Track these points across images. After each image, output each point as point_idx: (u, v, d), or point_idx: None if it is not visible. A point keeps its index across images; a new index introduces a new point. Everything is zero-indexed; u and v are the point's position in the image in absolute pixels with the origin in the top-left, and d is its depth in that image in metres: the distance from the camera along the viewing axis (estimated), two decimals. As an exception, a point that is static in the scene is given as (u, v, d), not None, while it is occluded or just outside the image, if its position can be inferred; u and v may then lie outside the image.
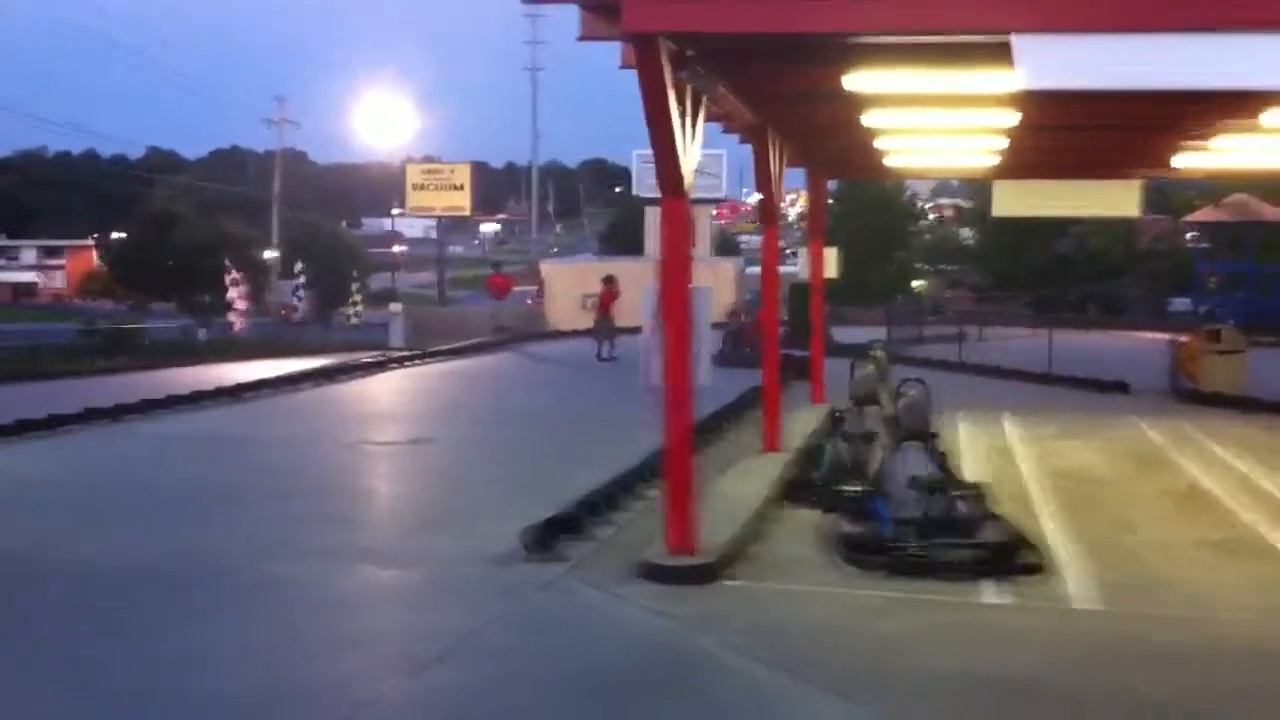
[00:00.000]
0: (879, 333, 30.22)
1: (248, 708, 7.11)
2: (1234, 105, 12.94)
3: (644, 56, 9.63)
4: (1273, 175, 20.87)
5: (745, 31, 9.81)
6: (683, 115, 10.22)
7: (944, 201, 73.97)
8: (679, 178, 10.18)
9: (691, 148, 10.51)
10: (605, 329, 28.12)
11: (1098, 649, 8.33)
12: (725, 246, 56.53)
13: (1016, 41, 8.83)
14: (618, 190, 74.81)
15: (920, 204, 65.80)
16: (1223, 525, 12.11)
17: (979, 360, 26.88)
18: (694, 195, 10.65)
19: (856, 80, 11.13)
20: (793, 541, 11.10)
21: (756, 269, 25.75)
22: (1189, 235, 44.11)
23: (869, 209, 48.17)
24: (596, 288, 29.28)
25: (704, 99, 11.03)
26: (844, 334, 30.06)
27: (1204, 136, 15.50)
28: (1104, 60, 9.01)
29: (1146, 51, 8.99)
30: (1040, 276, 45.48)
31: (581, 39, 10.57)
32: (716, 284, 40.07)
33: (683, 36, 9.83)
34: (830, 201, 49.87)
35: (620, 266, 31.05)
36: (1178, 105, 12.99)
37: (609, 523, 11.30)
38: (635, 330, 11.79)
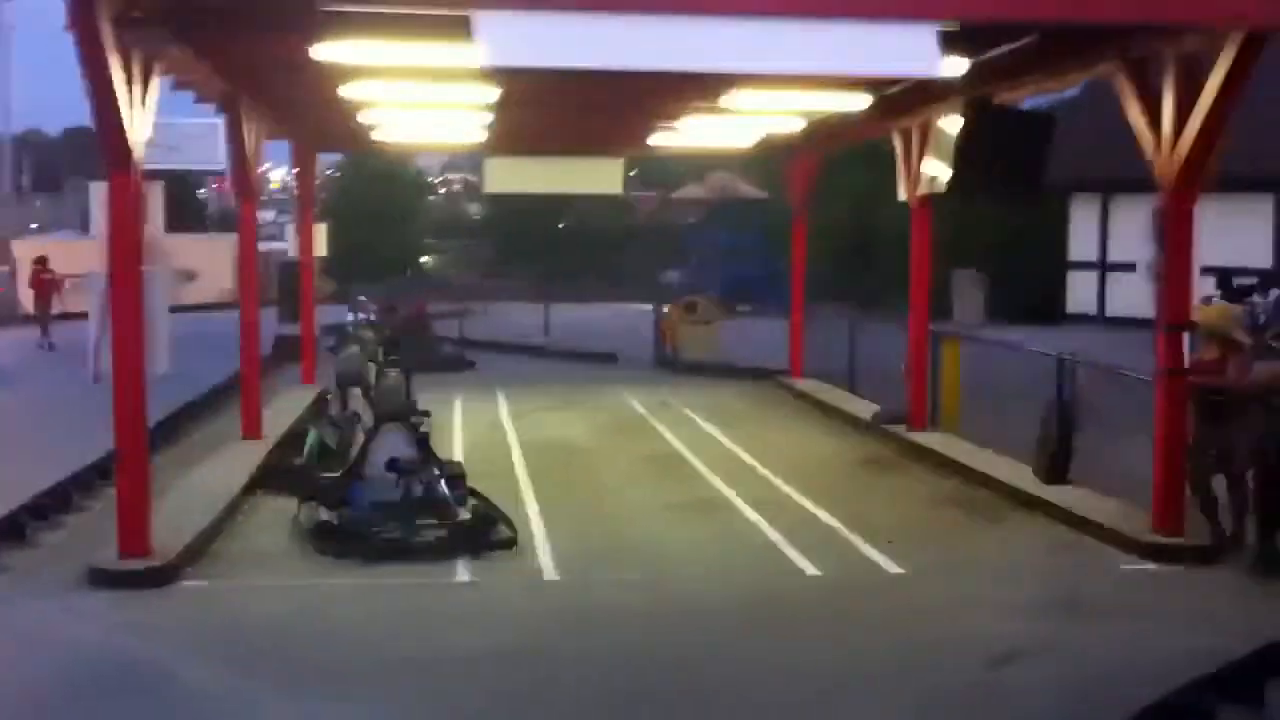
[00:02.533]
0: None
1: None
2: (696, 87, 13.59)
3: (80, 17, 8.81)
4: (737, 153, 22.32)
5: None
6: (130, 82, 9.44)
7: (453, 176, 74.39)
8: (125, 149, 9.41)
9: (141, 117, 9.73)
10: (42, 313, 25.59)
11: (558, 618, 8.51)
12: (225, 222, 54.13)
13: (477, 17, 8.78)
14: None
15: (430, 178, 65.85)
16: (689, 487, 12.78)
17: (481, 336, 27.11)
18: (145, 167, 9.89)
19: (326, 51, 10.72)
20: (266, 533, 10.63)
21: (263, 245, 24.67)
22: (681, 210, 46.70)
23: (374, 182, 47.50)
24: (76, 266, 26.95)
25: (156, 65, 10.24)
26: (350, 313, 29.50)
27: (673, 116, 16.27)
28: (563, 39, 9.12)
29: (605, 31, 9.18)
30: (545, 250, 46.68)
31: (18, -5, 9.53)
32: (213, 262, 38.37)
33: (127, -5, 9.05)
34: (334, 174, 48.86)
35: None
36: (646, 85, 13.48)
37: (61, 526, 10.36)
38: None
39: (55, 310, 25.74)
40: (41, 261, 27.10)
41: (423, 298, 27.60)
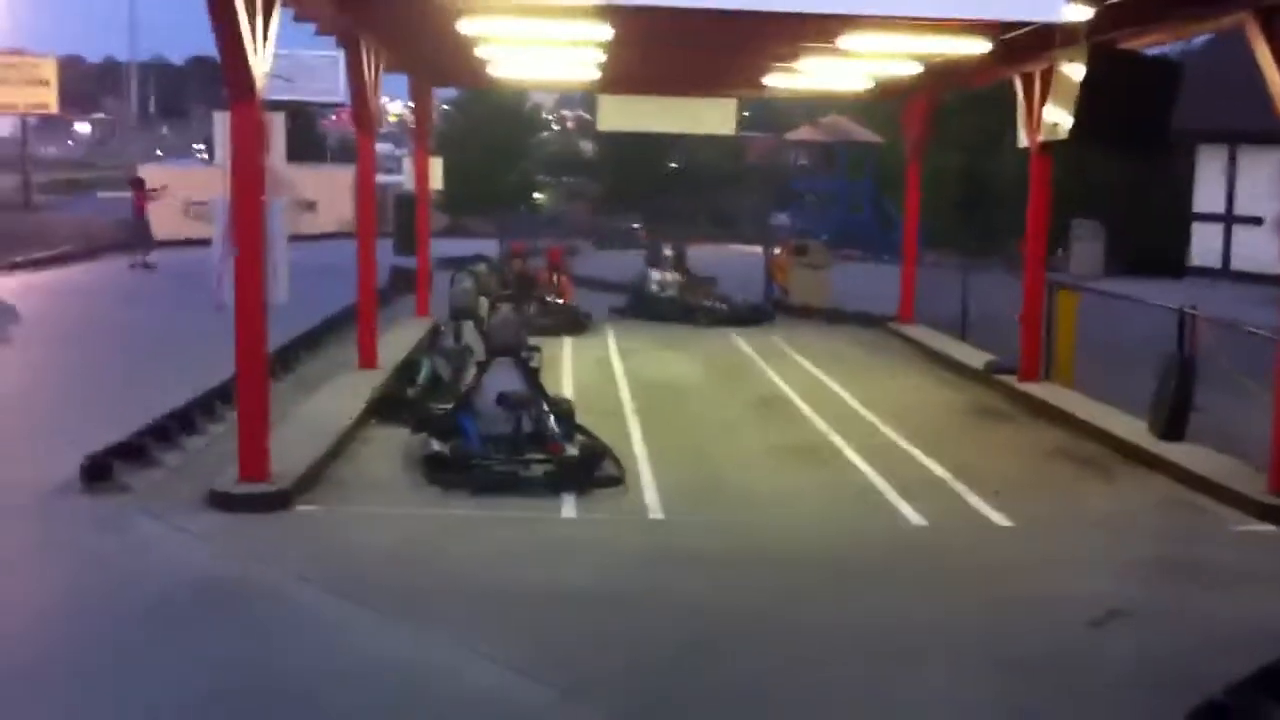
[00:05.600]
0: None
1: None
2: (812, 28, 13.43)
3: (204, -53, 8.97)
4: (855, 96, 21.97)
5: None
6: (252, 13, 9.59)
7: (566, 113, 74.46)
8: (250, 80, 9.58)
9: (264, 48, 9.88)
10: (141, 235, 26.65)
11: (661, 557, 8.58)
12: (344, 154, 54.90)
13: (594, -46, 8.77)
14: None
15: (545, 115, 66.01)
16: (796, 430, 12.77)
17: (590, 273, 27.17)
18: (267, 98, 10.07)
19: (445, -16, 10.80)
20: (379, 462, 10.87)
21: (381, 178, 25.03)
22: (793, 153, 46.22)
23: (491, 119, 47.76)
24: (205, 194, 27.72)
25: (279, -4, 10.39)
26: (464, 246, 29.84)
27: (790, 58, 16.09)
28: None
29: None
30: (656, 190, 46.61)
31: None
32: (334, 193, 38.91)
33: (250, -73, 9.19)
34: (451, 110, 49.14)
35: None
36: (760, 25, 13.37)
37: (182, 448, 10.69)
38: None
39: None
40: (138, 184, 27.97)
41: (561, 244, 26.00)
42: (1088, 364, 14.29)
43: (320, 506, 9.40)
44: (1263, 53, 10.02)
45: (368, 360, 14.50)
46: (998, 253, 29.97)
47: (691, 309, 20.68)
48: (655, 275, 21.51)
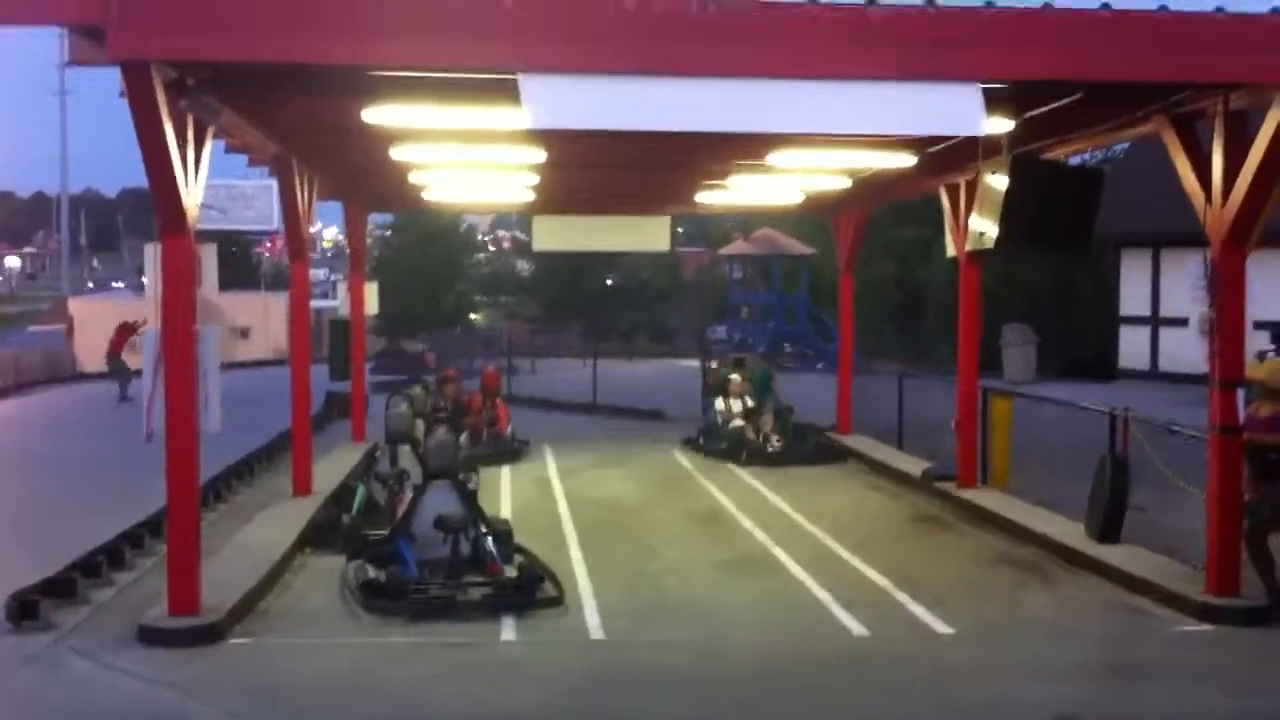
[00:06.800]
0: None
1: None
2: (741, 147, 13.66)
3: (135, 85, 8.97)
4: (787, 209, 22.34)
5: (245, 61, 9.38)
6: (183, 146, 9.62)
7: (502, 233, 75.10)
8: (181, 212, 9.58)
9: (195, 181, 9.91)
10: (121, 371, 26.97)
11: (602, 677, 8.46)
12: (278, 280, 54.86)
13: (523, 81, 8.89)
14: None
15: (480, 236, 66.48)
16: (736, 544, 12.71)
17: (529, 393, 27.21)
18: (200, 228, 10.07)
19: (377, 114, 10.89)
20: (314, 591, 10.66)
21: (315, 303, 24.97)
22: (728, 267, 46.81)
23: (424, 241, 48.01)
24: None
25: (209, 129, 10.43)
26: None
27: (721, 175, 16.36)
28: (607, 101, 9.21)
29: (648, 94, 9.27)
30: (593, 306, 46.91)
31: (72, 63, 9.83)
32: (267, 320, 38.85)
33: (181, 64, 9.24)
34: (386, 234, 49.37)
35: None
36: (691, 145, 13.57)
37: (110, 584, 10.45)
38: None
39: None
40: (125, 327, 28.12)
41: (491, 363, 25.51)
42: (1024, 468, 14.39)
43: (253, 639, 9.19)
44: (1179, 157, 10.33)
45: (302, 487, 14.32)
46: (933, 359, 30.38)
47: (753, 445, 18.51)
48: (719, 405, 19.56)
